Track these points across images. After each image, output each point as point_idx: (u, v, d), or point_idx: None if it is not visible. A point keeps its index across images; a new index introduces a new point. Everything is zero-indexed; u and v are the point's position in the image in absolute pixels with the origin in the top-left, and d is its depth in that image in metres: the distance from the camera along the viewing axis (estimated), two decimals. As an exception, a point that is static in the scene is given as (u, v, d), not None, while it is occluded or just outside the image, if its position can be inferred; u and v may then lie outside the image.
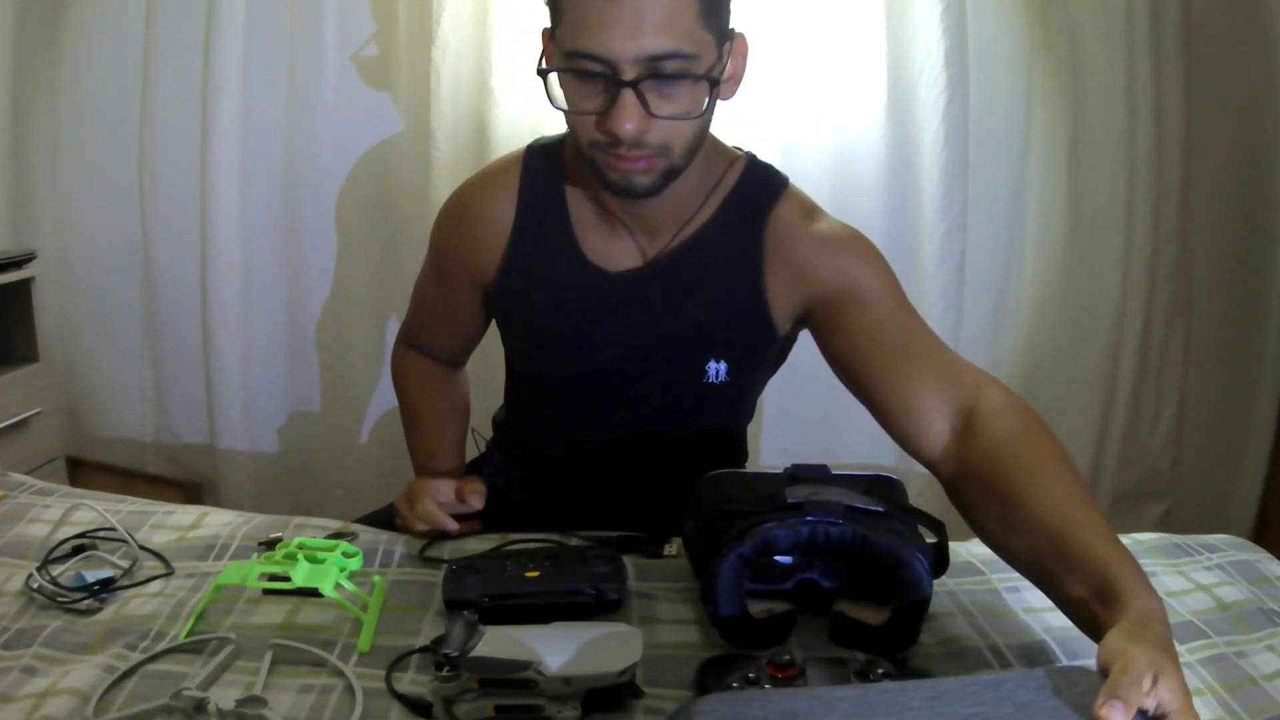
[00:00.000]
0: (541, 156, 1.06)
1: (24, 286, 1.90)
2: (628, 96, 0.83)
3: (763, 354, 1.06)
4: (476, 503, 1.05)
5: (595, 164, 0.91)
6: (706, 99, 0.88)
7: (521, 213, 1.05)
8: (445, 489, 1.05)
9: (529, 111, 1.83)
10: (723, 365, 1.03)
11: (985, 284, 1.97)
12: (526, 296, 1.07)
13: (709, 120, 0.92)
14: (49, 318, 2.03)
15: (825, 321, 0.98)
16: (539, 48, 0.94)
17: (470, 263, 1.09)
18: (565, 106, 0.89)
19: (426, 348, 1.26)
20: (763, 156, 1.07)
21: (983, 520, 0.80)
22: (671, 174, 0.91)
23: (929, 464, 0.89)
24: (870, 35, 1.82)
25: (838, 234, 1.01)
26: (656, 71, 0.83)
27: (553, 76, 0.89)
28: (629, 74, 0.83)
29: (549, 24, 0.90)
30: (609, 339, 1.04)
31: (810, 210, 1.02)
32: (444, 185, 1.89)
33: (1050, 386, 2.01)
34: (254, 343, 2.07)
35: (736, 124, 1.78)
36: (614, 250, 1.03)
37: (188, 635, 0.81)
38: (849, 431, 2.00)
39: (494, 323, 1.18)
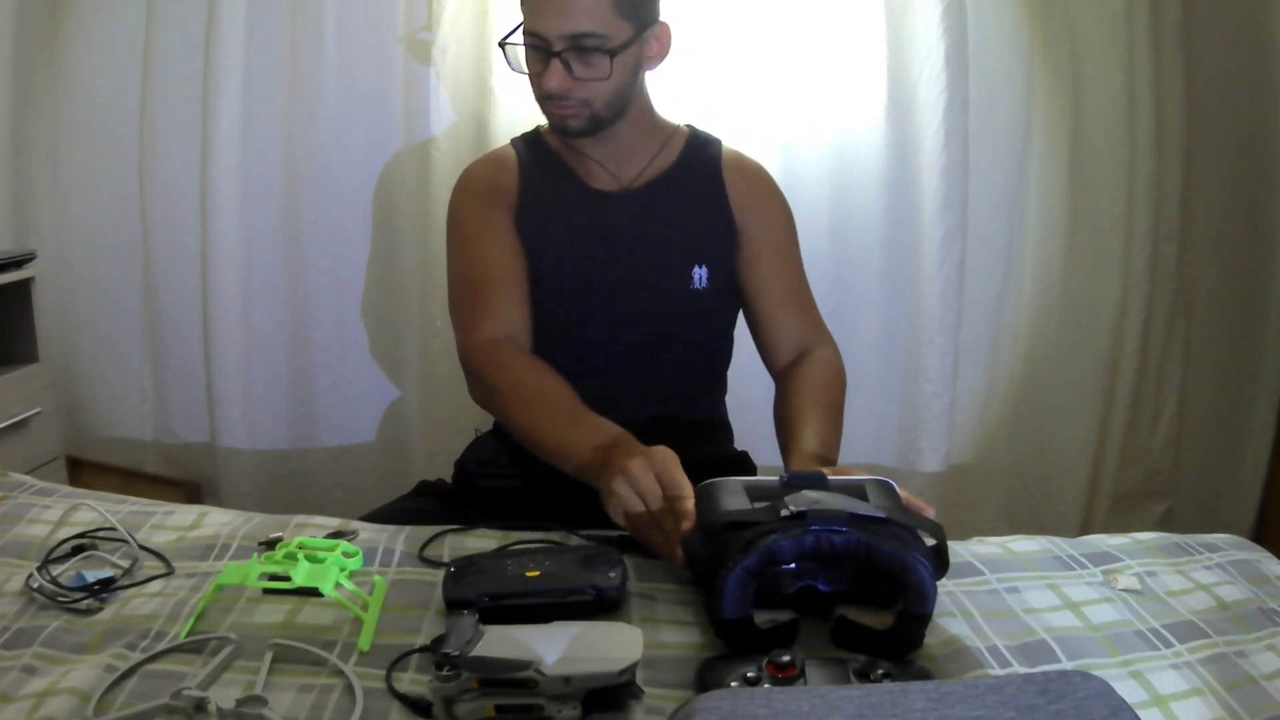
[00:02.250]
0: (521, 138, 1.35)
1: (24, 286, 1.90)
2: (554, 63, 1.14)
3: (733, 259, 1.29)
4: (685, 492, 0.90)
5: (545, 112, 1.22)
6: (610, 67, 1.15)
7: (523, 164, 1.30)
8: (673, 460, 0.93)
9: (529, 111, 1.82)
10: (704, 270, 1.26)
11: (985, 284, 1.97)
12: (540, 222, 1.26)
13: (622, 83, 1.19)
14: (49, 318, 2.03)
15: (744, 240, 1.29)
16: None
17: (499, 195, 1.27)
18: (524, 70, 1.20)
19: (502, 316, 1.20)
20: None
21: (776, 409, 1.25)
22: (597, 120, 1.20)
23: (769, 370, 1.32)
24: (870, 35, 1.82)
25: (770, 181, 1.35)
26: (578, 45, 1.13)
27: (518, 51, 1.19)
28: (556, 46, 1.13)
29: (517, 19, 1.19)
30: (610, 255, 1.25)
31: (746, 158, 1.35)
32: (444, 185, 1.89)
33: (1050, 386, 2.01)
34: (254, 343, 2.07)
35: (737, 124, 1.78)
36: (600, 180, 1.28)
37: (188, 635, 0.81)
38: (849, 431, 1.99)
39: None
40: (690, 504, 0.89)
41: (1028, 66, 1.89)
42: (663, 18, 1.21)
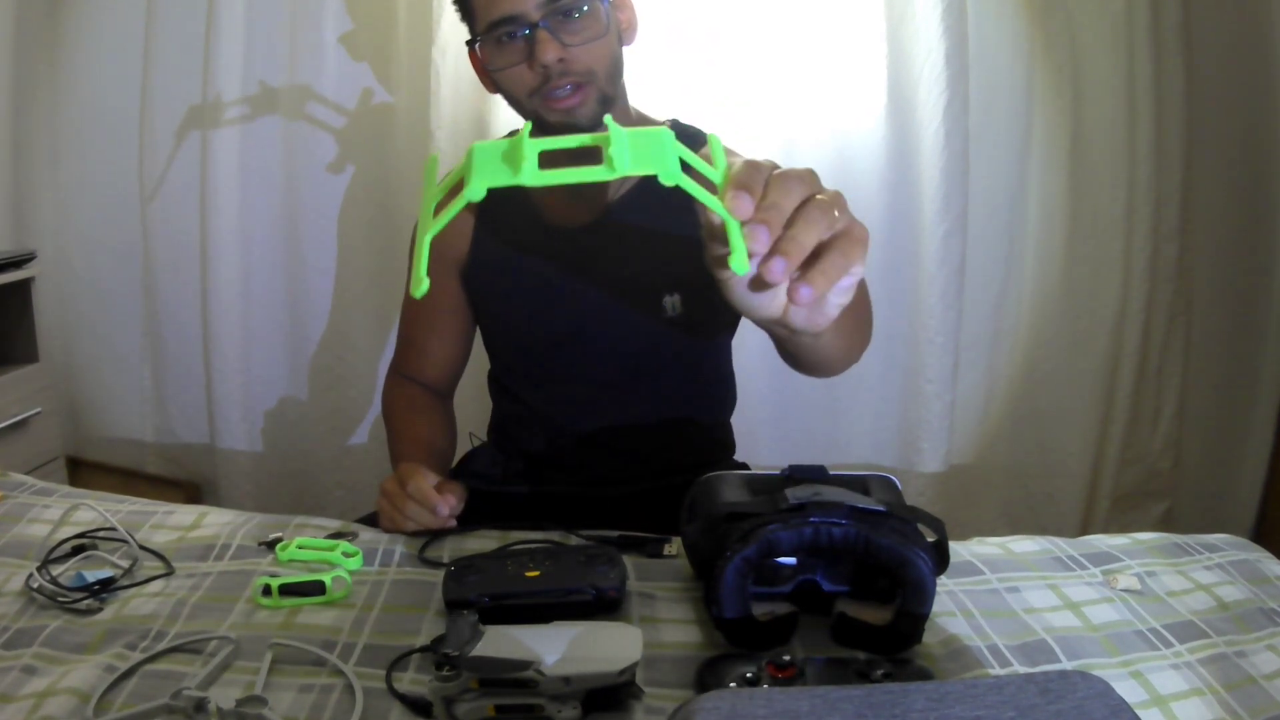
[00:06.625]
0: None
1: (24, 286, 1.90)
2: (541, 34, 0.99)
3: (710, 281, 1.13)
4: (452, 501, 1.02)
5: (538, 115, 1.04)
6: (605, 18, 1.03)
7: (481, 209, 1.18)
8: (429, 479, 1.03)
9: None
10: (676, 297, 1.14)
11: (985, 284, 1.97)
12: (498, 269, 1.19)
13: (616, 50, 1.07)
14: (49, 318, 2.03)
15: None
16: (471, 63, 1.10)
17: (444, 248, 1.20)
18: (496, 68, 1.04)
19: (419, 369, 1.30)
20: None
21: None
22: (605, 100, 1.05)
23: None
24: (870, 35, 1.82)
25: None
26: (557, 10, 1.00)
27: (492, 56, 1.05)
28: (534, 17, 0.99)
29: (468, 37, 1.07)
30: (576, 294, 1.16)
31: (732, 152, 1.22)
32: (444, 185, 1.89)
33: (1050, 386, 2.01)
34: (254, 343, 2.07)
35: (737, 123, 1.78)
36: (571, 211, 1.16)
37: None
38: (848, 431, 2.00)
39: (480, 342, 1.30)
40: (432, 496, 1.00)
41: (1028, 66, 1.88)
42: (664, 19, 1.17)
